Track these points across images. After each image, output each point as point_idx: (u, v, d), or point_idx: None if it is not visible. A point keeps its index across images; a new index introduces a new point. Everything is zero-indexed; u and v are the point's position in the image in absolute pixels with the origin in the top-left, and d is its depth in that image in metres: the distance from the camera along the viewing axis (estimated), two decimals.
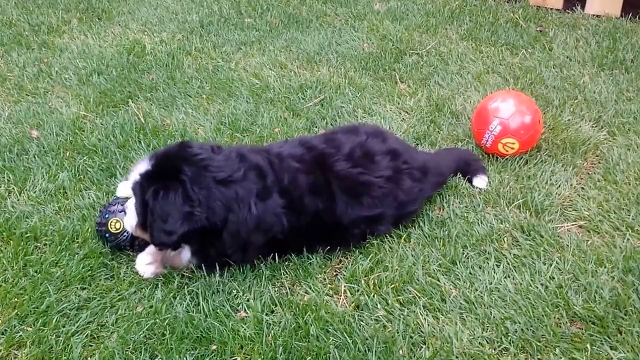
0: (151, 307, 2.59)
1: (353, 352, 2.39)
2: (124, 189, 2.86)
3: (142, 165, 2.65)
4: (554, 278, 2.71)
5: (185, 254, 2.76)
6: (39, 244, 2.92)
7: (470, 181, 3.32)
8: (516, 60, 4.69)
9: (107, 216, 2.84)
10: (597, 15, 5.44)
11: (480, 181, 3.30)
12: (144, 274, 2.76)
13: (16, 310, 2.57)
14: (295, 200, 2.75)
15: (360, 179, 2.88)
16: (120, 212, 2.82)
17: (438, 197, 3.20)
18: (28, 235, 2.95)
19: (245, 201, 2.62)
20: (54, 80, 4.47)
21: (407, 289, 2.67)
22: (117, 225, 2.81)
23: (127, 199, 2.81)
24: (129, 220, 2.74)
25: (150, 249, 2.79)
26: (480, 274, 2.74)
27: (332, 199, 2.81)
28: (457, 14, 5.51)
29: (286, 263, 2.82)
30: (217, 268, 2.74)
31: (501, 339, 2.45)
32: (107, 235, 2.83)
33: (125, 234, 2.82)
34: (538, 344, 2.42)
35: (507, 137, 3.41)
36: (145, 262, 2.77)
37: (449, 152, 3.54)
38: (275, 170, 2.77)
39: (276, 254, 2.82)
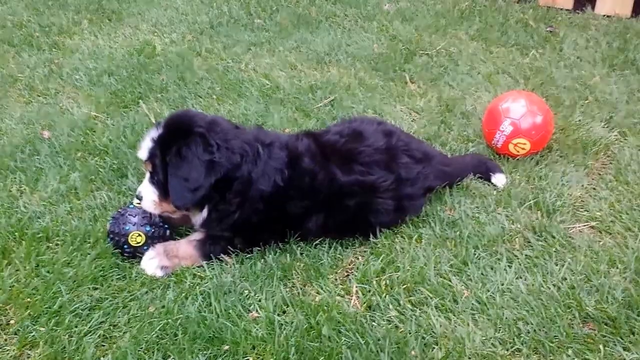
0: (163, 307, 2.60)
1: (365, 353, 2.38)
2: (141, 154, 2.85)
3: (153, 133, 2.76)
4: (566, 279, 2.70)
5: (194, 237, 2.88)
6: (51, 244, 2.93)
7: (488, 179, 3.32)
8: (526, 60, 4.68)
9: (127, 228, 2.80)
10: (607, 16, 5.43)
11: (498, 179, 3.30)
12: (149, 269, 2.77)
13: (29, 310, 2.57)
14: (294, 158, 2.85)
15: (347, 146, 2.97)
16: (142, 225, 2.81)
17: (449, 197, 3.20)
18: (40, 235, 2.96)
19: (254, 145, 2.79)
20: (65, 81, 4.49)
21: (419, 290, 2.67)
22: (139, 239, 2.80)
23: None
24: (147, 197, 2.78)
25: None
26: (492, 274, 2.74)
27: (325, 162, 2.88)
28: (466, 15, 5.50)
29: (297, 263, 2.82)
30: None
31: (514, 339, 2.44)
32: (125, 246, 2.81)
33: (145, 247, 2.81)
34: (551, 344, 2.41)
35: (519, 137, 3.41)
36: (149, 257, 2.79)
37: (462, 155, 3.57)
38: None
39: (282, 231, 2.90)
